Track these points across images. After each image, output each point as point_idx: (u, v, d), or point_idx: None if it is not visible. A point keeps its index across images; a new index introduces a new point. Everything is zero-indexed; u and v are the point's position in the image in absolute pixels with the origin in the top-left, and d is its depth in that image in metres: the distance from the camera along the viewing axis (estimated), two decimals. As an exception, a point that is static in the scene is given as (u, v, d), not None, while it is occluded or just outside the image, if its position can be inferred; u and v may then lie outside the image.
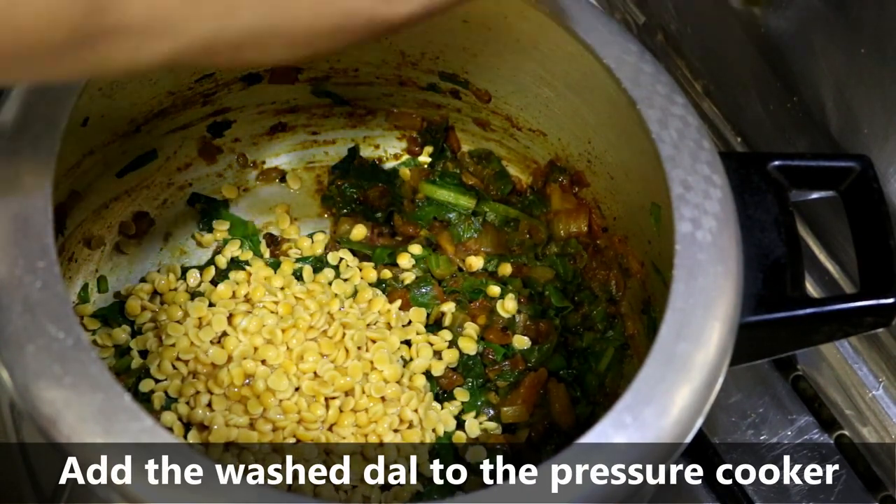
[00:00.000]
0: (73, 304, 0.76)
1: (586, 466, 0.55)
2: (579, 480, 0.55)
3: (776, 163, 0.68)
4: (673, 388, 0.57)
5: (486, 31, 0.74)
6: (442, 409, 0.76)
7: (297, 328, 0.74)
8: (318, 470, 0.70)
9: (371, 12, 0.47)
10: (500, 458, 0.74)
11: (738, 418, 0.85)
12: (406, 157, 0.84)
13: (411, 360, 0.76)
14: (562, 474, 0.55)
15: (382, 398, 0.73)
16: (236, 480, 0.52)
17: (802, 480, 0.84)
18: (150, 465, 0.52)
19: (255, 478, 0.68)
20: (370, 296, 0.78)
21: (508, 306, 0.79)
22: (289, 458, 0.70)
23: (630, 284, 0.76)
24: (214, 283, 0.78)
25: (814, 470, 0.84)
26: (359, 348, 0.75)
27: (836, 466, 0.84)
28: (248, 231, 0.81)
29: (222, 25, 0.46)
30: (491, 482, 0.56)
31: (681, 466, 0.83)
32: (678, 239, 0.61)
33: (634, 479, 0.56)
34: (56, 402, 0.53)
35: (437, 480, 0.73)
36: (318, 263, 0.80)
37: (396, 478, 0.72)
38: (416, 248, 0.80)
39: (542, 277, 0.79)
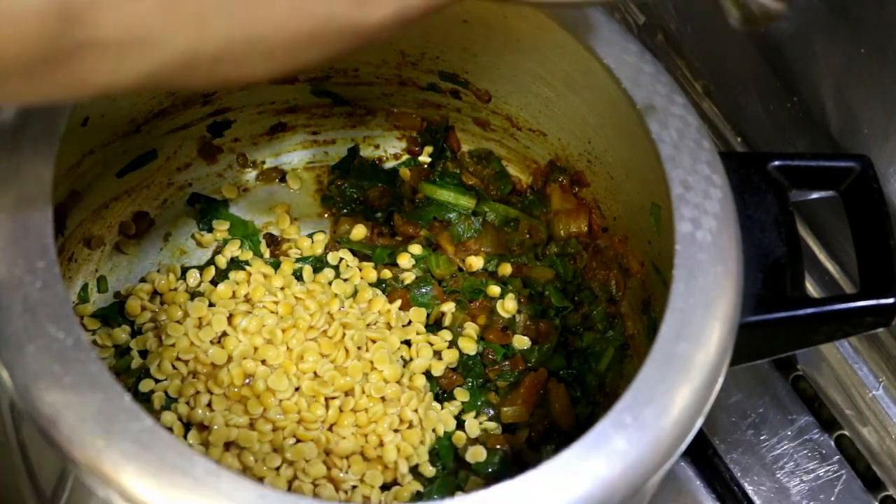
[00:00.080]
0: (73, 304, 0.76)
1: (586, 466, 0.55)
2: (579, 480, 0.55)
3: (776, 163, 0.68)
4: (673, 388, 0.57)
5: (486, 31, 0.74)
6: (442, 409, 0.76)
7: (297, 328, 0.74)
8: (318, 470, 0.70)
9: (345, 18, 0.46)
10: (499, 458, 0.74)
11: (738, 418, 0.85)
12: (406, 157, 0.84)
13: (411, 360, 0.76)
14: (562, 474, 0.55)
15: (382, 398, 0.73)
16: (236, 480, 0.52)
17: (802, 480, 0.84)
18: (150, 465, 0.52)
19: (255, 478, 0.69)
20: (370, 296, 0.78)
21: (508, 306, 0.79)
22: (289, 458, 0.70)
23: (630, 284, 0.76)
24: (214, 283, 0.78)
25: (814, 470, 0.84)
26: (359, 348, 0.75)
27: (836, 466, 0.84)
28: (248, 231, 0.81)
29: (199, 37, 0.45)
30: (491, 482, 0.56)
31: (681, 466, 0.83)
32: (678, 239, 0.61)
33: (634, 479, 0.56)
34: (56, 402, 0.53)
35: (437, 480, 0.73)
36: (318, 263, 0.80)
37: (396, 478, 0.72)
38: (416, 248, 0.80)
39: (542, 277, 0.79)
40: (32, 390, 0.54)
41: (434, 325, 0.79)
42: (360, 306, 0.78)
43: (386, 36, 0.48)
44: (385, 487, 0.72)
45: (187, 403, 0.72)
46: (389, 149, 0.84)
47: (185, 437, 0.71)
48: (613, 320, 0.77)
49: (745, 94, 0.90)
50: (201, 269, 0.79)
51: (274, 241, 0.81)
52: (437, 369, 0.76)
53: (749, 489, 0.83)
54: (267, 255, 0.81)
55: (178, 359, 0.73)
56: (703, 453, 0.83)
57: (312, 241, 0.81)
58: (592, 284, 0.79)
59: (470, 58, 0.77)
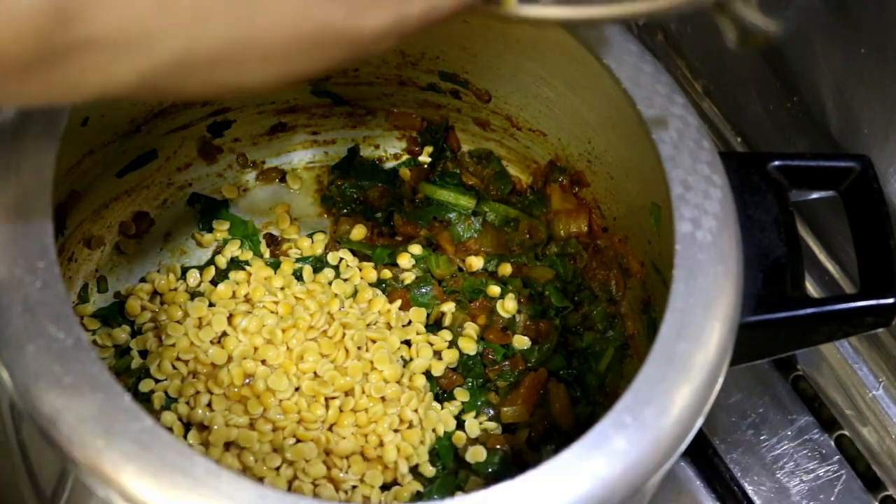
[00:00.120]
0: (73, 304, 0.76)
1: (586, 466, 0.55)
2: (579, 480, 0.55)
3: (776, 163, 0.68)
4: (673, 388, 0.57)
5: (486, 31, 0.74)
6: (442, 409, 0.76)
7: (297, 328, 0.74)
8: (318, 470, 0.70)
9: (342, 25, 0.46)
10: (499, 458, 0.74)
11: (738, 418, 0.85)
12: (406, 157, 0.84)
13: (411, 360, 0.76)
14: (562, 474, 0.55)
15: (382, 398, 0.73)
16: (236, 480, 0.52)
17: (802, 480, 0.84)
18: (150, 465, 0.52)
19: (255, 478, 0.69)
20: (370, 296, 0.78)
21: (508, 306, 0.79)
22: (289, 458, 0.70)
23: (630, 284, 0.76)
24: (214, 283, 0.78)
25: (814, 470, 0.84)
26: (359, 348, 0.75)
27: (836, 466, 0.84)
28: (248, 231, 0.81)
29: (196, 37, 0.45)
30: (491, 482, 0.56)
31: (681, 466, 0.83)
32: (678, 239, 0.61)
33: (634, 479, 0.56)
34: (56, 402, 0.53)
35: (437, 480, 0.73)
36: (318, 263, 0.80)
37: (396, 478, 0.72)
38: (416, 248, 0.80)
39: (542, 277, 0.79)
40: (32, 390, 0.54)
41: (434, 325, 0.79)
42: (360, 306, 0.78)
43: (383, 47, 0.48)
44: (385, 487, 0.72)
45: (187, 403, 0.72)
46: (389, 149, 0.84)
47: (185, 437, 0.71)
48: (613, 320, 0.77)
49: (745, 94, 0.90)
50: (201, 269, 0.79)
51: (274, 241, 0.81)
52: (437, 369, 0.76)
53: (749, 489, 0.83)
54: (267, 255, 0.81)
55: (178, 359, 0.73)
56: (703, 453, 0.83)
57: (312, 241, 0.81)
58: (592, 284, 0.78)
59: (470, 58, 0.77)
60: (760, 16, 0.54)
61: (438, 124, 0.83)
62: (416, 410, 0.74)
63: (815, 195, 0.71)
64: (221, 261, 0.79)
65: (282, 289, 0.77)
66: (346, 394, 0.73)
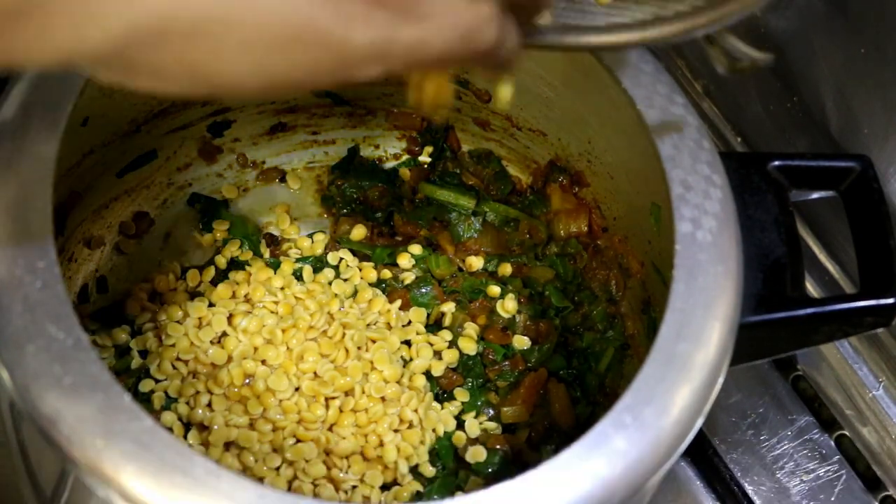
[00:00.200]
0: (73, 304, 0.76)
1: (586, 466, 0.55)
2: (579, 481, 0.55)
3: (776, 163, 0.68)
4: (673, 388, 0.57)
5: (486, 31, 0.74)
6: (442, 409, 0.76)
7: (297, 328, 0.74)
8: (318, 470, 0.70)
9: (328, 28, 0.44)
10: (499, 458, 0.74)
11: (738, 418, 0.85)
12: (406, 157, 0.84)
13: (411, 360, 0.76)
14: (562, 474, 0.55)
15: (382, 398, 0.73)
16: (236, 480, 0.52)
17: (802, 480, 0.84)
18: (150, 465, 0.52)
19: (255, 478, 0.69)
20: (370, 296, 0.78)
21: (508, 306, 0.79)
22: (289, 458, 0.70)
23: (630, 284, 0.76)
24: (214, 283, 0.78)
25: (814, 470, 0.84)
26: (359, 348, 0.75)
27: (836, 466, 0.84)
28: (248, 231, 0.81)
29: (175, 3, 0.42)
30: (491, 482, 0.56)
31: (681, 466, 0.83)
32: (678, 239, 0.61)
33: (634, 479, 0.56)
34: (56, 402, 0.53)
35: (437, 480, 0.73)
36: (318, 263, 0.80)
37: (396, 478, 0.72)
38: (416, 248, 0.80)
39: (542, 277, 0.79)
40: (32, 390, 0.54)
41: (434, 325, 0.79)
42: (360, 306, 0.78)
43: (366, 73, 0.46)
44: (385, 487, 0.72)
45: (187, 403, 0.72)
46: (389, 149, 0.84)
47: (185, 437, 0.71)
48: (613, 320, 0.77)
49: (745, 94, 0.90)
50: (201, 269, 0.79)
51: (274, 241, 0.81)
52: (437, 369, 0.76)
53: (749, 489, 0.83)
54: (267, 255, 0.81)
55: (178, 359, 0.73)
56: (703, 453, 0.83)
57: (312, 241, 0.81)
58: (592, 284, 0.79)
59: (470, 58, 0.77)
60: (748, 46, 0.55)
61: (438, 124, 0.83)
62: (416, 410, 0.74)
63: (815, 195, 0.71)
64: (221, 261, 0.79)
65: (282, 289, 0.77)
66: (346, 394, 0.73)
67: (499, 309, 0.79)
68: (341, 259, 0.80)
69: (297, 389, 0.72)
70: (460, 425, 0.75)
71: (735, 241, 0.62)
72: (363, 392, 0.73)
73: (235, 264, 0.79)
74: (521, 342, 0.78)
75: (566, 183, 0.79)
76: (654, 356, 0.58)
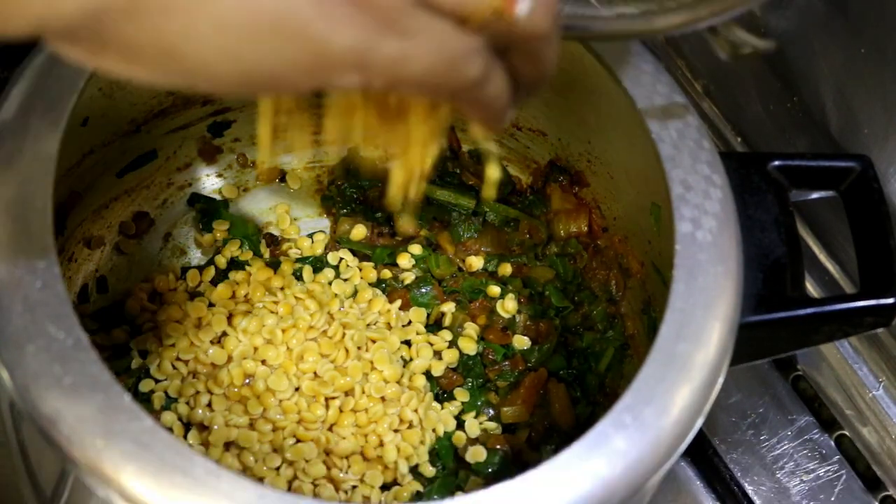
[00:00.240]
0: (73, 304, 0.76)
1: (586, 466, 0.55)
2: (579, 480, 0.55)
3: (776, 163, 0.68)
4: (673, 388, 0.57)
5: (486, 31, 0.74)
6: (442, 409, 0.76)
7: (297, 328, 0.74)
8: (318, 470, 0.70)
9: (309, 21, 0.43)
10: (499, 458, 0.74)
11: (738, 418, 0.85)
12: (406, 156, 0.84)
13: (411, 360, 0.76)
14: (562, 474, 0.55)
15: (382, 398, 0.73)
16: (236, 480, 0.52)
17: (802, 480, 0.84)
18: (150, 465, 0.52)
19: (255, 478, 0.69)
20: (370, 296, 0.78)
21: (508, 306, 0.79)
22: (289, 458, 0.70)
23: (630, 284, 0.76)
24: (214, 283, 0.78)
25: (814, 470, 0.84)
26: (359, 348, 0.75)
27: (836, 466, 0.84)
28: (248, 231, 0.81)
29: None
30: (491, 482, 0.57)
31: (681, 466, 0.83)
32: (678, 239, 0.61)
33: (634, 479, 0.56)
34: (56, 402, 0.53)
35: (434, 477, 0.73)
36: (318, 263, 0.80)
37: (396, 478, 0.72)
38: (416, 248, 0.80)
39: (542, 277, 0.79)
40: (32, 390, 0.54)
41: (434, 325, 0.79)
42: (360, 306, 0.78)
43: (344, 80, 0.45)
44: (385, 487, 0.72)
45: (187, 403, 0.72)
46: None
47: (185, 437, 0.71)
48: (613, 320, 0.77)
49: (745, 94, 0.90)
50: (201, 269, 0.79)
51: (274, 241, 0.81)
52: (437, 369, 0.76)
53: (749, 489, 0.83)
54: (267, 255, 0.81)
55: (178, 359, 0.73)
56: (703, 453, 0.83)
57: (312, 241, 0.81)
58: (592, 284, 0.78)
59: (470, 58, 0.77)
60: (751, 35, 0.55)
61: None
62: (416, 410, 0.73)
63: (815, 195, 0.71)
64: (221, 261, 0.79)
65: (282, 289, 0.77)
66: (346, 394, 0.73)
67: (499, 309, 0.79)
68: (341, 259, 0.80)
69: (296, 389, 0.72)
70: (460, 425, 0.75)
71: (735, 241, 0.62)
72: (363, 392, 0.73)
73: (235, 264, 0.79)
74: (521, 342, 0.78)
75: (566, 183, 0.79)
76: (654, 356, 0.58)
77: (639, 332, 0.75)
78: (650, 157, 0.65)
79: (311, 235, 0.82)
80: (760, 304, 0.64)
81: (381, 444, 0.72)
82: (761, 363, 0.87)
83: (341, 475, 0.70)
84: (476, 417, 0.76)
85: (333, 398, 0.72)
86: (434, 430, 0.74)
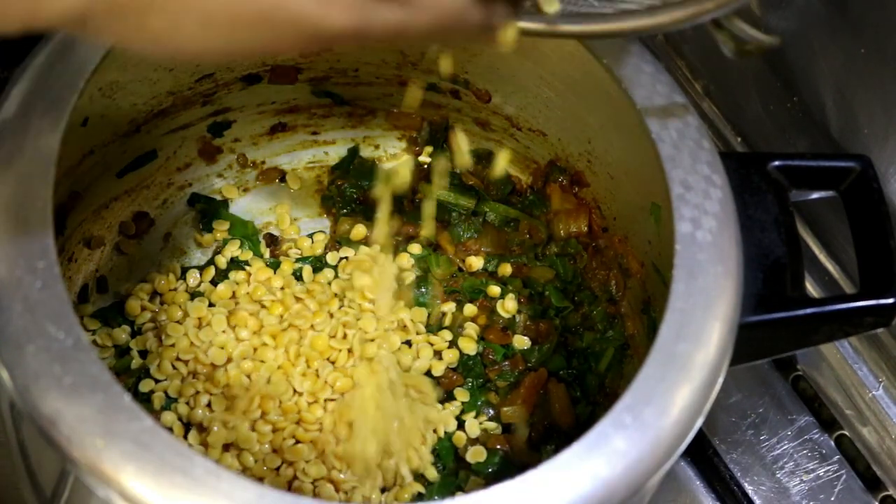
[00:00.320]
0: (73, 304, 0.76)
1: (586, 466, 0.55)
2: (579, 481, 0.55)
3: (776, 163, 0.68)
4: (673, 388, 0.57)
5: (486, 31, 0.74)
6: (443, 409, 0.76)
7: (297, 328, 0.74)
8: (317, 470, 0.70)
9: (300, 10, 0.43)
10: (499, 458, 0.74)
11: (738, 418, 0.85)
12: (406, 157, 0.84)
13: (411, 360, 0.76)
14: (562, 474, 0.55)
15: (383, 398, 0.73)
16: (236, 480, 0.52)
17: (802, 480, 0.84)
18: (150, 465, 0.52)
19: (254, 478, 0.69)
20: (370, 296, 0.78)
21: (508, 306, 0.79)
22: (288, 459, 0.70)
23: (630, 284, 0.76)
24: (214, 283, 0.78)
25: (814, 470, 0.84)
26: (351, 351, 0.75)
27: (836, 466, 0.84)
28: (248, 231, 0.81)
29: None
30: (491, 482, 0.57)
31: (681, 466, 0.83)
32: (678, 239, 0.61)
33: (634, 479, 0.56)
34: (56, 402, 0.53)
35: (437, 481, 0.73)
36: (318, 263, 0.80)
37: (396, 478, 0.72)
38: (416, 248, 0.80)
39: (542, 277, 0.79)
40: (32, 390, 0.54)
41: (434, 325, 0.79)
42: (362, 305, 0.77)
43: (341, 44, 0.45)
44: (385, 488, 0.72)
45: (187, 403, 0.72)
46: (389, 149, 0.84)
47: (185, 437, 0.71)
48: (613, 320, 0.77)
49: (745, 94, 0.90)
50: (201, 269, 0.79)
51: (274, 241, 0.81)
52: (437, 369, 0.76)
53: (749, 489, 0.83)
54: (267, 255, 0.81)
55: (178, 359, 0.73)
56: (703, 453, 0.83)
57: (312, 241, 0.81)
58: (592, 284, 0.79)
59: (470, 58, 0.77)
60: (755, 30, 0.55)
61: (438, 124, 0.83)
62: (416, 410, 0.73)
63: (815, 195, 0.71)
64: (221, 261, 0.79)
65: (282, 289, 0.77)
66: (347, 394, 0.73)
67: (499, 309, 0.79)
68: (341, 259, 0.80)
69: (296, 390, 0.72)
70: (460, 425, 0.75)
71: (735, 241, 0.62)
72: (363, 393, 0.73)
73: (235, 264, 0.79)
74: (521, 342, 0.78)
75: (566, 183, 0.79)
76: (654, 356, 0.58)
77: (639, 332, 0.75)
78: (650, 157, 0.65)
79: (311, 235, 0.82)
80: (760, 304, 0.64)
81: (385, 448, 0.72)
82: (761, 363, 0.87)
83: (341, 476, 0.70)
84: (476, 417, 0.76)
85: (333, 399, 0.72)
86: (434, 430, 0.74)
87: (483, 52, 0.76)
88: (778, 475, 0.84)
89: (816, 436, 0.85)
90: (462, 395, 0.76)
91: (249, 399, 0.71)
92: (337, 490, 0.70)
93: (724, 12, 0.54)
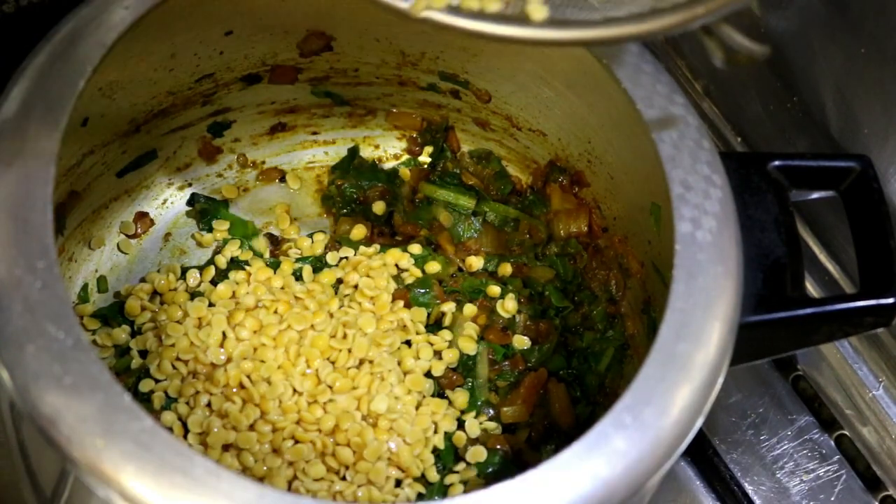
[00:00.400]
0: (73, 304, 0.76)
1: (586, 466, 0.55)
2: (579, 480, 0.55)
3: (776, 163, 0.68)
4: (673, 388, 0.57)
5: (486, 31, 0.74)
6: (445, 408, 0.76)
7: (297, 328, 0.74)
8: (317, 470, 0.70)
9: None
10: (499, 458, 0.74)
11: (738, 418, 0.85)
12: (406, 157, 0.84)
13: (411, 360, 0.76)
14: (562, 474, 0.55)
15: (383, 398, 0.73)
16: (236, 480, 0.52)
17: (802, 480, 0.84)
18: (150, 465, 0.52)
19: (254, 478, 0.69)
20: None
21: (508, 306, 0.79)
22: (288, 459, 0.70)
23: (630, 284, 0.76)
24: (214, 283, 0.78)
25: (814, 470, 0.84)
26: (350, 350, 0.74)
27: (836, 466, 0.84)
28: (248, 231, 0.81)
29: None
30: (491, 482, 0.57)
31: (681, 466, 0.83)
32: (678, 239, 0.61)
33: (634, 479, 0.56)
34: (56, 402, 0.53)
35: (437, 481, 0.73)
36: (318, 263, 0.80)
37: (396, 478, 0.72)
38: (416, 248, 0.80)
39: (542, 277, 0.79)
40: (32, 390, 0.54)
41: (434, 325, 0.79)
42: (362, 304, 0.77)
43: None
44: (385, 488, 0.72)
45: (187, 403, 0.72)
46: (389, 149, 0.84)
47: (184, 437, 0.71)
48: (613, 320, 0.77)
49: (745, 94, 0.90)
50: (201, 269, 0.79)
51: (274, 241, 0.81)
52: (437, 369, 0.76)
53: (749, 489, 0.83)
54: (267, 255, 0.81)
55: (177, 359, 0.73)
56: (703, 453, 0.83)
57: (312, 241, 0.81)
58: (592, 284, 0.79)
59: (470, 58, 0.77)
60: (745, 38, 0.55)
61: (438, 124, 0.83)
62: (417, 411, 0.73)
63: (815, 195, 0.71)
64: (221, 261, 0.79)
65: (282, 289, 0.77)
66: (346, 395, 0.73)
67: (499, 309, 0.79)
68: (341, 259, 0.80)
69: (296, 390, 0.72)
70: (460, 425, 0.75)
71: (735, 241, 0.62)
72: (364, 393, 0.73)
73: (235, 264, 0.79)
74: (521, 342, 0.78)
75: (566, 183, 0.79)
76: (654, 356, 0.58)
77: (639, 332, 0.75)
78: (650, 157, 0.65)
79: (311, 235, 0.82)
80: (760, 304, 0.64)
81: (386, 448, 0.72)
82: (761, 363, 0.87)
83: (341, 476, 0.70)
84: (476, 417, 0.76)
85: (333, 399, 0.72)
86: (435, 431, 0.74)
87: (483, 52, 0.76)
88: (778, 475, 0.84)
89: (816, 436, 0.85)
90: (462, 394, 0.76)
91: (249, 399, 0.71)
92: (337, 492, 0.70)
93: (714, 18, 0.54)
